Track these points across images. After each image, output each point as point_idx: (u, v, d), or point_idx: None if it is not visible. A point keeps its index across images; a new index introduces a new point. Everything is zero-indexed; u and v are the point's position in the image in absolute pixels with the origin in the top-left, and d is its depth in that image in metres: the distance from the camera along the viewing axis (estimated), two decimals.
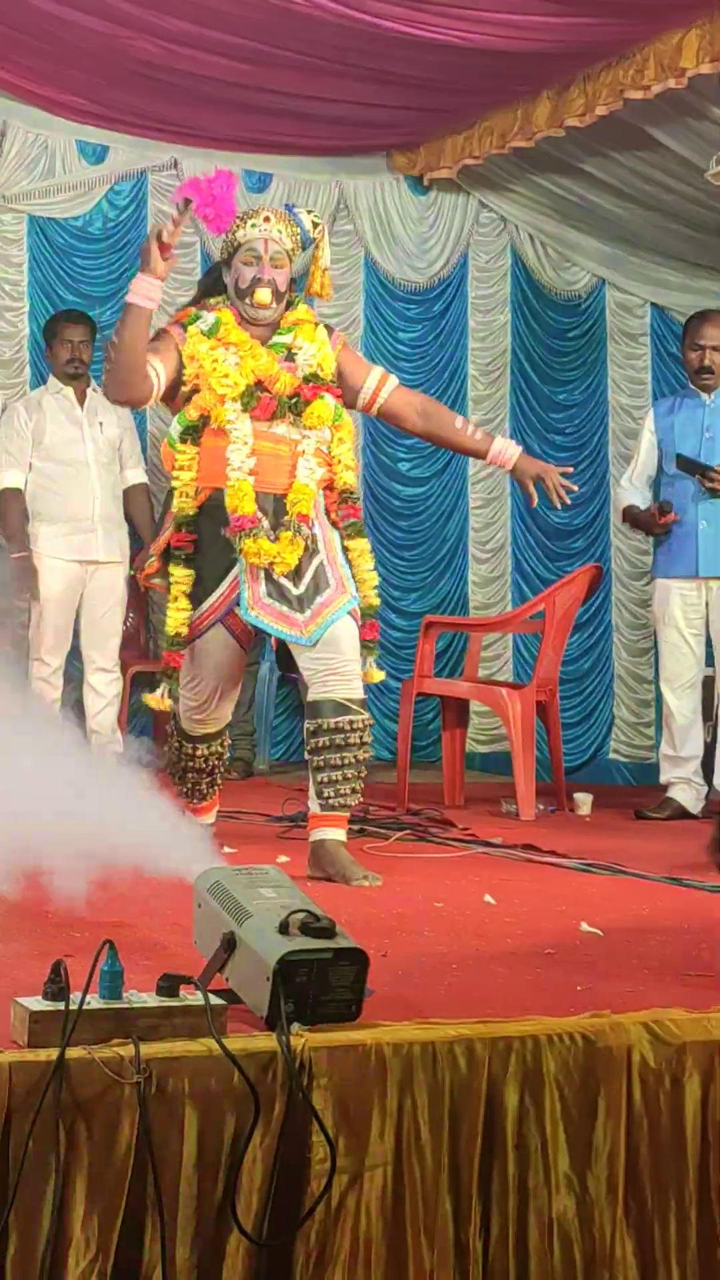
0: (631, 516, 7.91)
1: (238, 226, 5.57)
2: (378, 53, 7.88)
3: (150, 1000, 3.03)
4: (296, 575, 5.46)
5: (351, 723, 5.45)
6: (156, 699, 5.70)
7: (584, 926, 4.52)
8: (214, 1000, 3.04)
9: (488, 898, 5.01)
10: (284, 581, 5.46)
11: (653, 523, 7.74)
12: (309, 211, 5.77)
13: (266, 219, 5.57)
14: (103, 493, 8.24)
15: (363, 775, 5.54)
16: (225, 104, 8.69)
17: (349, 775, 5.46)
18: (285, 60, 8.06)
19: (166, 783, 5.53)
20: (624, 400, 10.67)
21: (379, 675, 5.68)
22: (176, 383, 5.62)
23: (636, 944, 4.34)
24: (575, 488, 5.89)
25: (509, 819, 7.31)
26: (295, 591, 5.46)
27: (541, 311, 10.49)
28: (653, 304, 10.64)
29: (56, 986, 2.95)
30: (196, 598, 5.59)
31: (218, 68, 8.16)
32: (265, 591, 5.47)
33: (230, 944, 3.22)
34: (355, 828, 6.56)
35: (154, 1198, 2.87)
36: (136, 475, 8.50)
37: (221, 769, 6.00)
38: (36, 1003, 2.95)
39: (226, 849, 5.62)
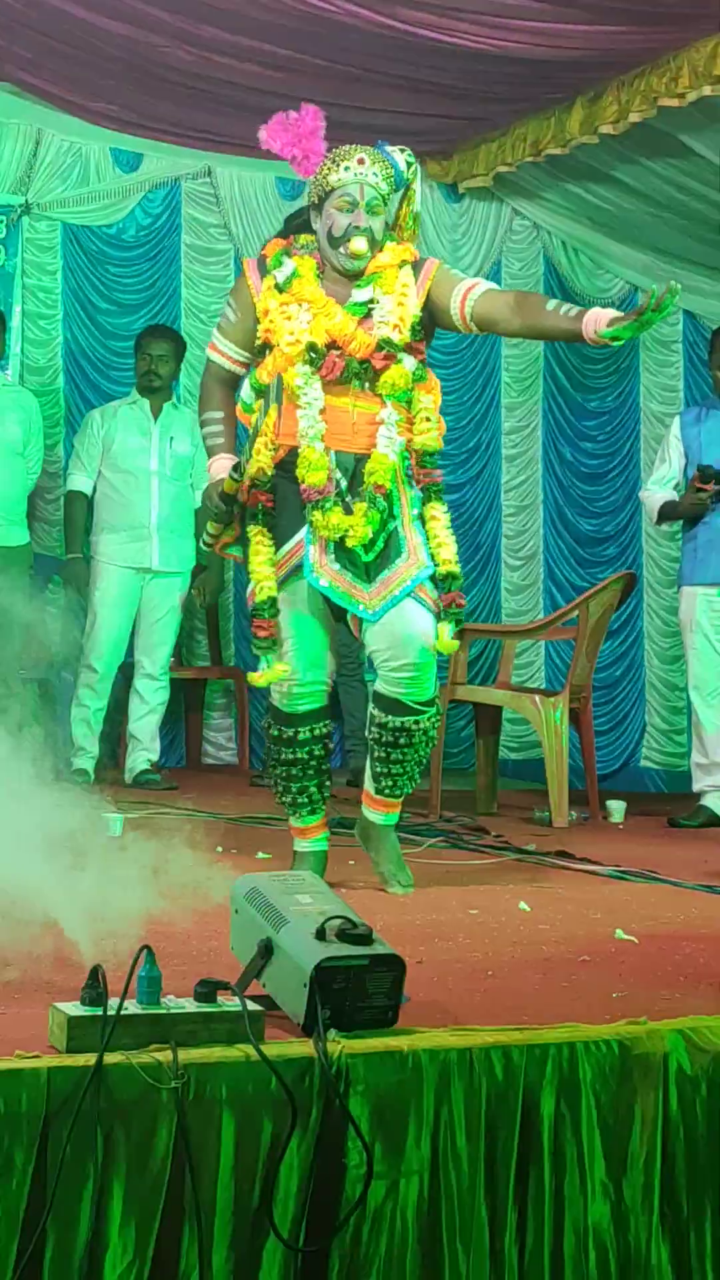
0: (669, 510, 7.87)
1: (329, 169, 5.18)
2: (411, 60, 7.89)
3: (188, 1006, 3.03)
4: (369, 541, 5.11)
5: (417, 722, 5.19)
6: (262, 674, 5.20)
7: (619, 934, 4.51)
8: (251, 1006, 3.04)
9: (522, 905, 5.01)
10: (354, 547, 5.10)
11: (691, 494, 7.66)
12: (402, 150, 5.31)
13: (361, 160, 5.16)
14: (162, 504, 8.30)
15: (423, 765, 5.31)
16: (258, 111, 8.62)
17: (408, 770, 5.24)
18: (318, 68, 8.07)
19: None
20: (656, 407, 10.67)
21: (453, 645, 5.22)
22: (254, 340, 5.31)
23: (672, 951, 4.34)
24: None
25: (542, 826, 7.31)
26: (364, 558, 5.12)
27: None
28: (685, 311, 10.63)
29: (95, 992, 2.96)
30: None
31: (251, 75, 8.18)
32: (334, 557, 5.12)
33: (267, 950, 3.23)
34: None
35: (191, 1203, 2.87)
36: None
37: (327, 770, 5.35)
38: (75, 1008, 2.96)
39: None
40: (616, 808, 7.76)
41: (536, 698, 7.73)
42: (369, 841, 5.35)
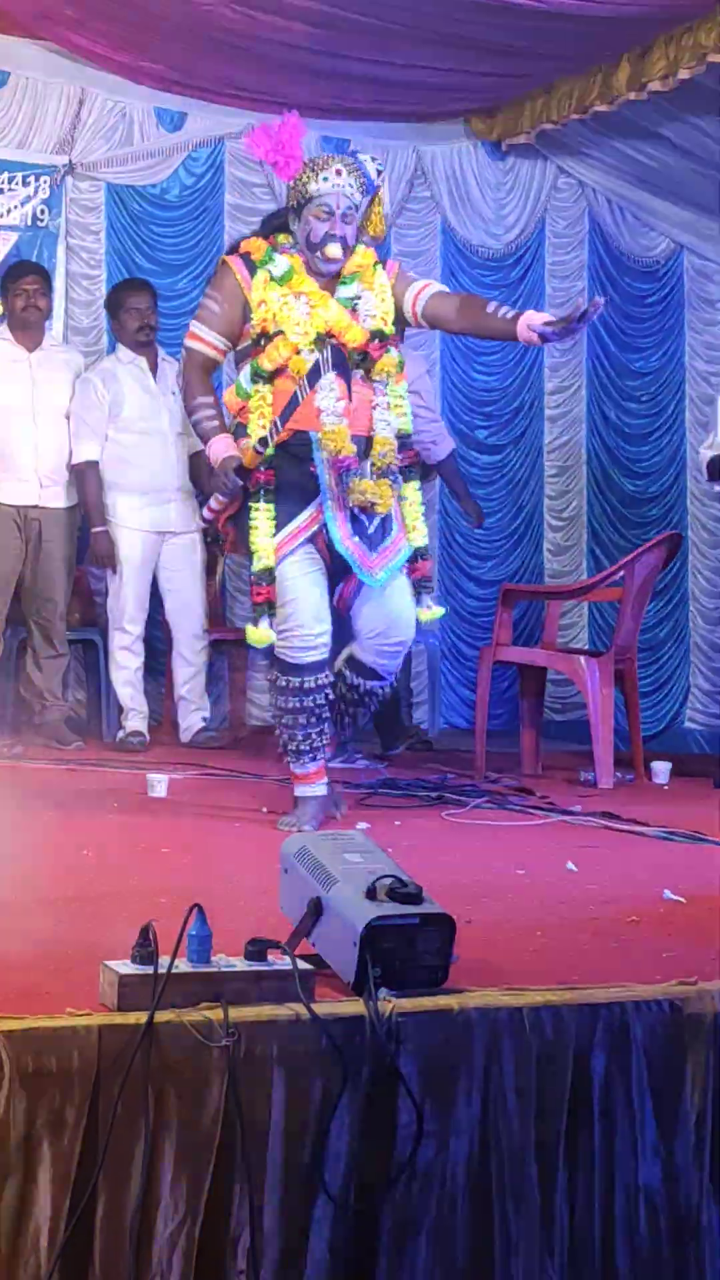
0: (713, 466, 7.80)
1: (308, 178, 5.56)
2: (457, 18, 7.84)
3: (238, 964, 3.04)
4: (368, 515, 5.56)
5: (382, 689, 5.82)
6: (258, 632, 5.55)
7: (667, 894, 4.51)
8: (302, 965, 3.05)
9: (570, 865, 5.00)
10: (362, 519, 5.55)
11: None
12: (372, 159, 5.76)
13: (338, 171, 5.55)
14: (179, 463, 8.23)
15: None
16: (303, 70, 8.66)
17: (357, 722, 5.95)
18: (364, 26, 8.02)
19: None
20: (701, 366, 10.62)
21: (437, 611, 5.75)
22: (241, 328, 5.66)
23: None
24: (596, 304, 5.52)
25: (587, 787, 7.29)
26: (369, 531, 5.58)
27: (619, 278, 10.44)
28: None
29: (146, 950, 2.96)
30: (277, 527, 5.59)
31: (296, 34, 8.13)
32: (351, 530, 5.55)
33: (317, 909, 3.23)
34: (434, 795, 6.58)
35: (241, 1162, 2.88)
36: None
37: (328, 719, 5.69)
38: (126, 966, 2.96)
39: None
40: (661, 769, 7.72)
41: (581, 659, 7.71)
42: None
